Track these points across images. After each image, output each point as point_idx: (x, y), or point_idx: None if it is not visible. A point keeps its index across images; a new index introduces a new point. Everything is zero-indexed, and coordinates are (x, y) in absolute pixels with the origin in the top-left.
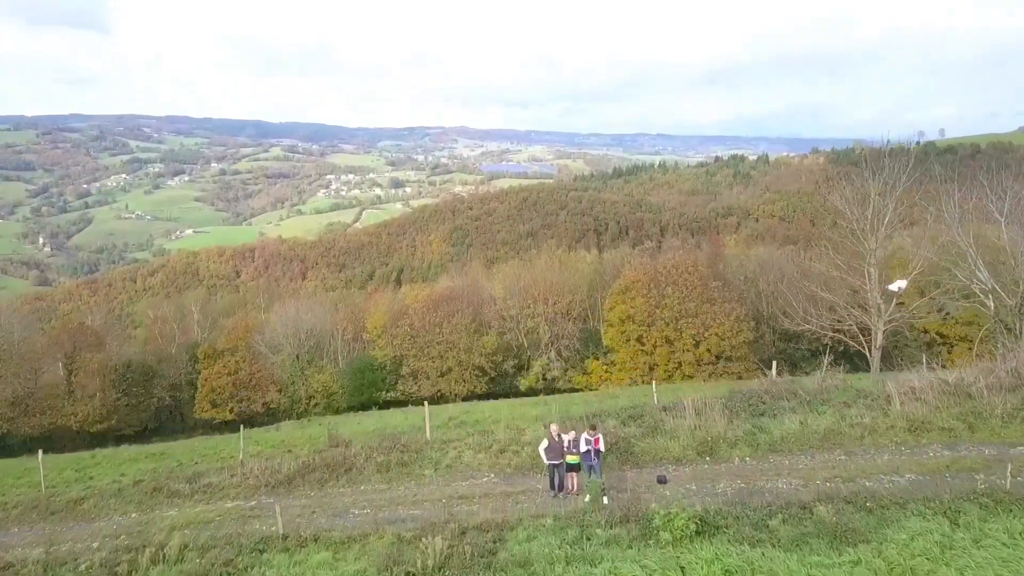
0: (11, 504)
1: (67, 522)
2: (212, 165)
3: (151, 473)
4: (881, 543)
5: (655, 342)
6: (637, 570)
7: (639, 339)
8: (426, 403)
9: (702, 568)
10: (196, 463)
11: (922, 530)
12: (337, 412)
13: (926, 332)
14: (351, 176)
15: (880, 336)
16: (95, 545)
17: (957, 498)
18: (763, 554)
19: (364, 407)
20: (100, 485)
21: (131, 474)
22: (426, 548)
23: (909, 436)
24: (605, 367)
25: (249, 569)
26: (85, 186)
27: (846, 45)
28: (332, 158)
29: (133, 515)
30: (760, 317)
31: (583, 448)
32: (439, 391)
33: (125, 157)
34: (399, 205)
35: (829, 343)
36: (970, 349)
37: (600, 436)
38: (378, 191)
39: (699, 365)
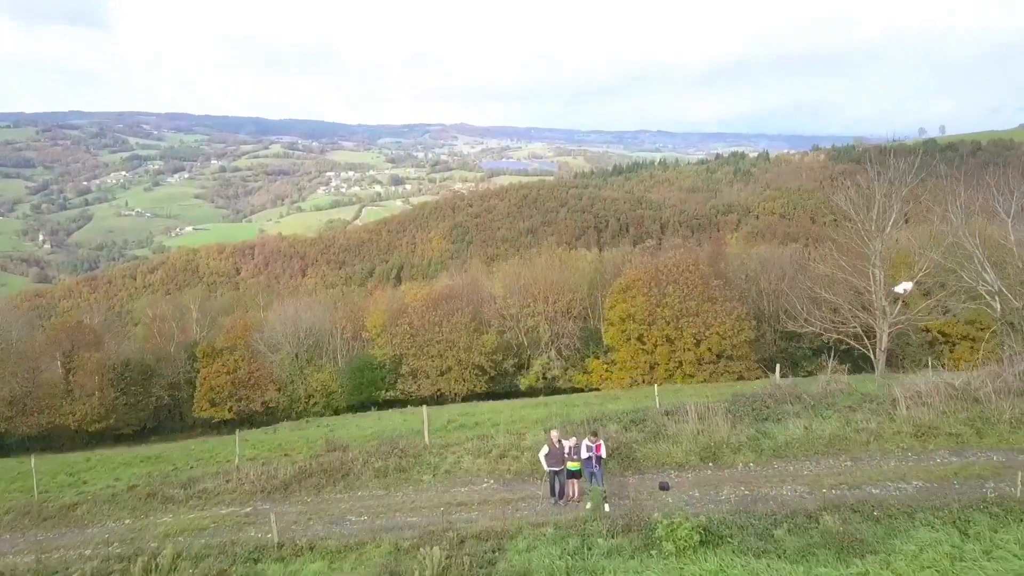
0: (3, 510)
1: (60, 528)
2: (212, 162)
3: (146, 478)
4: (889, 554)
5: (656, 341)
6: None
7: (640, 338)
8: (424, 408)
9: None
10: (191, 467)
11: (931, 541)
12: (336, 411)
13: (928, 331)
14: (351, 173)
15: (885, 339)
16: (87, 553)
17: (966, 507)
18: (768, 565)
19: (363, 406)
20: (94, 490)
21: (126, 478)
22: (424, 559)
23: (916, 442)
24: (606, 366)
25: None
26: (85, 183)
27: (846, 44)
28: (332, 155)
29: (127, 521)
30: (761, 316)
31: (584, 455)
32: (439, 390)
33: (125, 154)
34: (399, 202)
35: (831, 343)
36: (972, 348)
37: (601, 443)
38: (378, 188)
39: (700, 364)
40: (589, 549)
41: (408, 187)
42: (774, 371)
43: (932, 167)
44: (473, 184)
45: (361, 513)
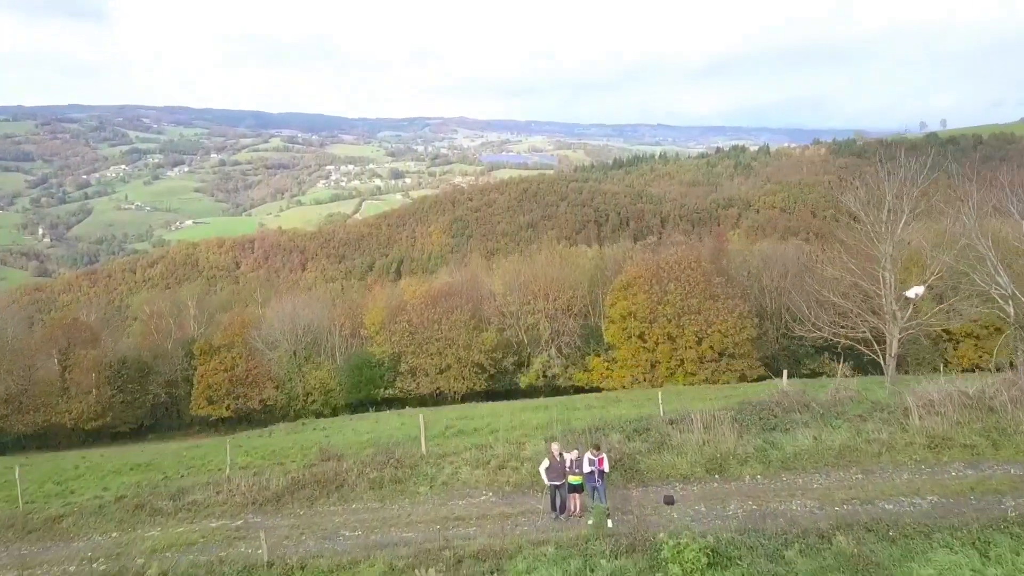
0: None
1: (44, 542)
2: (212, 156)
3: (135, 488)
4: None
5: (657, 339)
6: None
7: (641, 336)
8: (421, 416)
9: None
10: (182, 476)
11: (951, 564)
12: (334, 410)
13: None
14: (351, 167)
15: (895, 344)
16: (71, 569)
17: (986, 527)
18: None
19: (361, 404)
20: (81, 501)
21: (114, 488)
22: None
23: (929, 453)
24: (606, 364)
25: None
26: (84, 177)
27: (847, 37)
28: (332, 149)
29: (114, 535)
30: (764, 313)
31: (587, 469)
32: (438, 388)
33: (124, 148)
34: (399, 196)
35: (837, 344)
36: (977, 345)
37: (604, 456)
38: (378, 182)
39: (702, 362)
40: (592, 571)
41: (408, 181)
42: (776, 369)
43: (944, 166)
44: (473, 178)
45: (355, 528)
